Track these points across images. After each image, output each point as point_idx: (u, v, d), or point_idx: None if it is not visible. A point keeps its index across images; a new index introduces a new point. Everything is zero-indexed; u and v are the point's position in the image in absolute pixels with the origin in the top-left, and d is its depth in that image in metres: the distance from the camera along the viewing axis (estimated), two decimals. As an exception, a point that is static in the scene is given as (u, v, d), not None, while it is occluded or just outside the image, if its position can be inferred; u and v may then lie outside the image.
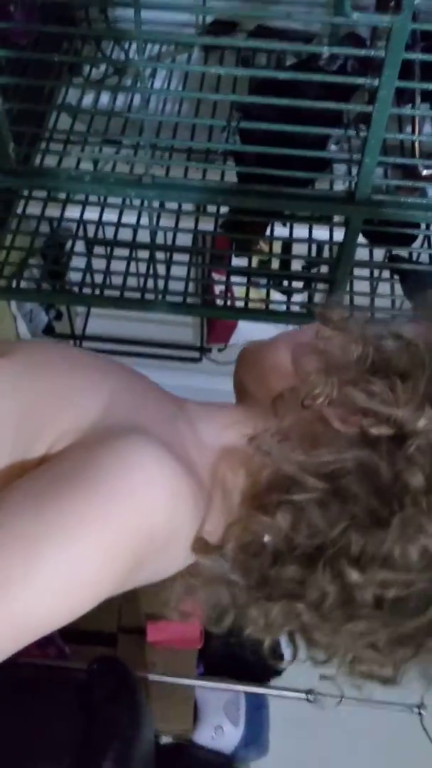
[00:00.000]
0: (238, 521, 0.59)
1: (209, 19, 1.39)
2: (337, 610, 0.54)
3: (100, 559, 0.52)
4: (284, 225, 1.25)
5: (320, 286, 1.30)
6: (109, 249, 1.34)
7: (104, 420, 0.58)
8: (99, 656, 1.71)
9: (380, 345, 0.59)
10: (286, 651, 2.04)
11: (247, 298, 1.33)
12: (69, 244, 1.42)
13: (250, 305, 1.35)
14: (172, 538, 0.57)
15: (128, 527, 0.53)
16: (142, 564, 0.56)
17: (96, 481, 0.52)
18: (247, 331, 2.39)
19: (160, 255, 1.26)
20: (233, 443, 0.62)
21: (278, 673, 2.06)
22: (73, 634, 1.86)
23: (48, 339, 2.49)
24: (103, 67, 1.43)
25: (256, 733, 1.99)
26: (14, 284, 1.35)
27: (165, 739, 1.95)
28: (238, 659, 2.04)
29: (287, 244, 1.41)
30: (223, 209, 1.23)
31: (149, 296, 1.29)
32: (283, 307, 1.35)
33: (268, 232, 1.31)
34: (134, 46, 1.40)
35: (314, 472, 0.55)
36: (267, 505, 0.57)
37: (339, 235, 1.17)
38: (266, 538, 0.57)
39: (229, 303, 1.41)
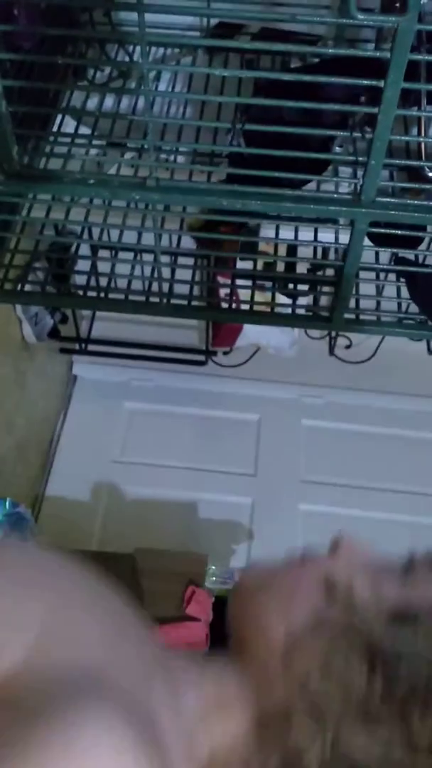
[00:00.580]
0: None
1: (213, 22, 1.39)
2: None
3: None
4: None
5: (326, 288, 1.29)
6: (113, 252, 1.33)
7: (63, 663, 0.44)
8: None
9: (397, 650, 0.47)
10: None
11: (252, 301, 1.33)
12: (74, 247, 1.42)
13: (256, 308, 1.34)
14: None
15: None
16: None
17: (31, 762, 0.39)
18: (253, 334, 2.39)
19: (164, 258, 1.25)
20: (216, 743, 0.49)
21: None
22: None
23: (53, 341, 2.49)
24: (107, 71, 1.43)
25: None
26: (19, 287, 1.35)
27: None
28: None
29: (293, 246, 1.40)
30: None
31: (154, 299, 1.28)
32: (289, 310, 1.34)
33: (273, 235, 1.31)
34: (138, 49, 1.40)
35: None
36: None
37: (344, 238, 1.17)
38: None
39: (234, 306, 1.40)
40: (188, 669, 0.53)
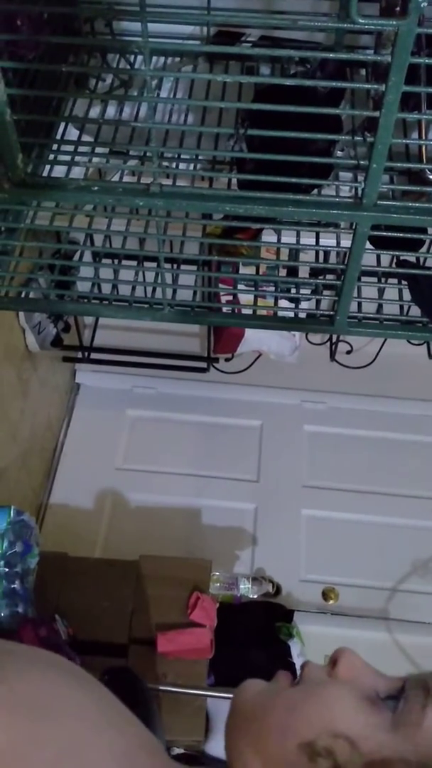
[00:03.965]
0: None
1: (213, 30, 1.41)
2: None
3: None
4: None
5: (327, 292, 1.30)
6: (116, 260, 1.34)
7: None
8: (110, 667, 1.71)
9: None
10: (298, 660, 2.02)
11: (255, 305, 1.34)
12: (77, 254, 1.43)
13: (258, 312, 1.35)
14: None
15: None
16: None
17: None
18: (254, 341, 2.40)
19: (167, 264, 1.26)
20: None
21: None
22: (84, 645, 1.86)
23: (56, 350, 2.49)
24: (108, 81, 1.44)
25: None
26: (23, 294, 1.36)
27: (177, 751, 1.94)
28: (249, 669, 2.04)
29: (294, 252, 1.41)
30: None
31: (157, 305, 1.29)
32: (291, 314, 1.35)
33: (275, 239, 1.32)
34: (140, 58, 1.42)
35: None
36: None
37: (345, 242, 1.18)
38: None
39: (236, 310, 1.41)
40: None
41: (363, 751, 0.50)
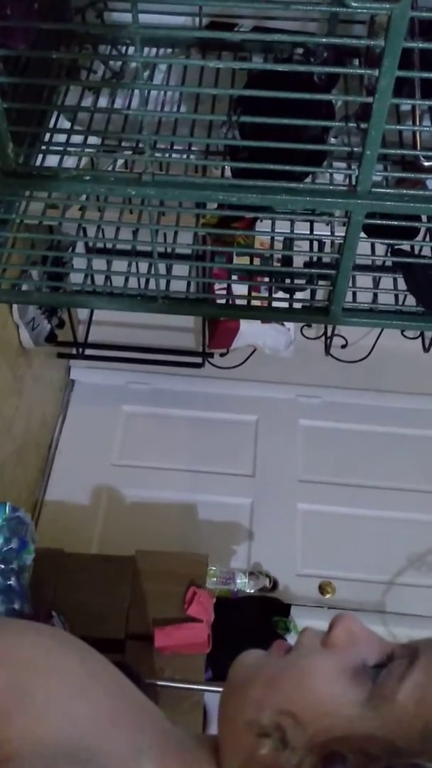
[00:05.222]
0: None
1: (206, 21, 1.40)
2: None
3: None
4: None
5: (322, 282, 1.29)
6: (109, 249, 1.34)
7: (54, 737, 0.49)
8: (107, 662, 1.70)
9: None
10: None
11: (249, 296, 1.33)
12: (70, 244, 1.42)
13: (252, 303, 1.35)
14: None
15: None
16: None
17: None
18: (249, 335, 2.39)
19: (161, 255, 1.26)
20: None
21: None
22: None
23: (50, 346, 2.48)
24: (100, 72, 1.44)
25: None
26: (15, 287, 1.35)
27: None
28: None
29: (289, 241, 1.41)
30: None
31: (150, 297, 1.28)
32: (286, 304, 1.34)
33: (269, 228, 1.31)
34: (131, 50, 1.41)
35: None
36: None
37: (340, 232, 1.17)
38: None
39: (230, 301, 1.40)
40: (183, 747, 0.54)
41: (310, 732, 0.47)
